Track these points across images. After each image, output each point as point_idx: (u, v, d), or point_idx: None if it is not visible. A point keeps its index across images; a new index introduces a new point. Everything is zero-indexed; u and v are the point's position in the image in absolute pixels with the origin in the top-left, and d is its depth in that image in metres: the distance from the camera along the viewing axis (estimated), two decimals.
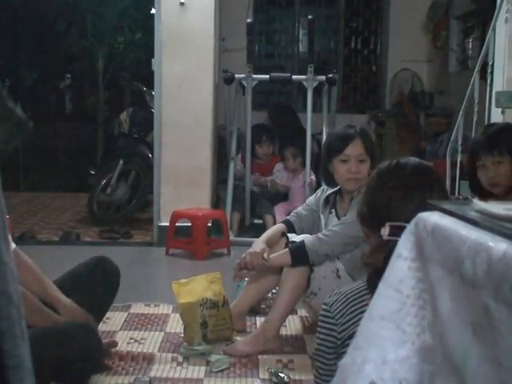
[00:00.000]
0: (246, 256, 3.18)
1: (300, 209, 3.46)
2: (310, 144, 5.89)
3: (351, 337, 1.74)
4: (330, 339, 1.90)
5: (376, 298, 1.16)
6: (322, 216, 3.35)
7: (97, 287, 2.77)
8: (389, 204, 1.85)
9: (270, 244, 3.26)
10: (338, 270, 3.13)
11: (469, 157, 2.89)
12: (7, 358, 0.86)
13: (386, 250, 1.81)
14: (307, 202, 3.49)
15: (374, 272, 1.83)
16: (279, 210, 5.85)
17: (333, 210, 3.31)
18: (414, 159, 1.98)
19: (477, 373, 0.91)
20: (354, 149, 3.16)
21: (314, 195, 3.48)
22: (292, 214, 3.47)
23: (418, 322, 1.10)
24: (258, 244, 3.23)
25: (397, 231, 1.81)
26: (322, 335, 1.94)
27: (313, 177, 5.91)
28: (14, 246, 2.64)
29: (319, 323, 1.98)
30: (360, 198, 2.04)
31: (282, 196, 6.13)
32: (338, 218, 3.24)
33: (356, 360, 1.15)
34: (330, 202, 3.34)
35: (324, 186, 3.49)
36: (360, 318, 1.79)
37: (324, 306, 1.96)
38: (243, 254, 3.23)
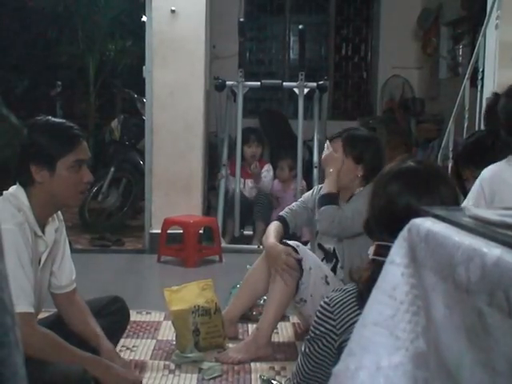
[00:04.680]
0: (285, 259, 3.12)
1: (295, 205, 3.47)
2: (301, 151, 5.88)
3: (351, 327, 1.73)
4: (325, 331, 1.91)
5: (370, 304, 1.16)
6: (317, 212, 3.36)
7: (105, 322, 2.71)
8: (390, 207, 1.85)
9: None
10: (326, 277, 3.14)
11: (453, 167, 2.92)
12: (3, 366, 0.85)
13: (372, 268, 1.83)
14: (303, 198, 3.52)
15: (363, 288, 1.85)
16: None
17: None
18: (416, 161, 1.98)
19: (471, 379, 0.91)
20: (332, 146, 3.30)
21: (310, 192, 3.52)
22: (286, 210, 3.48)
23: (412, 329, 1.10)
24: (277, 246, 3.19)
25: (383, 251, 1.82)
26: (319, 327, 1.94)
27: (304, 183, 5.89)
28: (74, 285, 2.66)
29: (317, 314, 1.97)
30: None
31: (274, 203, 6.09)
32: None
33: (350, 366, 1.15)
34: None
35: (318, 185, 3.53)
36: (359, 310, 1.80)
37: (325, 299, 1.96)
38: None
